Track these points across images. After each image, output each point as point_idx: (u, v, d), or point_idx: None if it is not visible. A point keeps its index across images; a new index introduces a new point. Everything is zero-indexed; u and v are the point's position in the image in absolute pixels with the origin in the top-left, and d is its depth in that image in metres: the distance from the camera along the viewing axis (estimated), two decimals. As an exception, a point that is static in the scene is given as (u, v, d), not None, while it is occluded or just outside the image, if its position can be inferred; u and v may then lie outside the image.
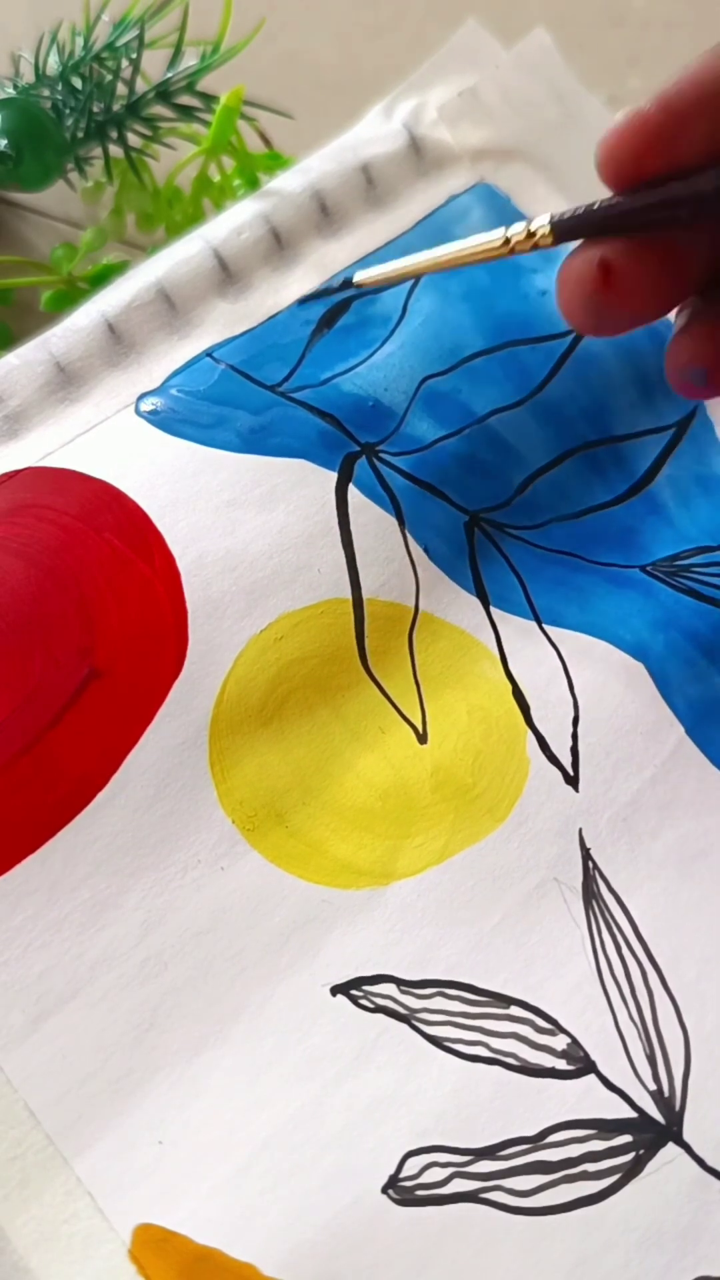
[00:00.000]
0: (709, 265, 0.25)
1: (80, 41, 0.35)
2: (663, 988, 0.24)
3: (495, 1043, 0.24)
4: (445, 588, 0.28)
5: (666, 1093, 0.24)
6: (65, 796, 0.25)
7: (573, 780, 0.26)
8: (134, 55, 0.35)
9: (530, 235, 0.24)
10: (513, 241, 0.24)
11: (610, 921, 0.25)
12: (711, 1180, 0.23)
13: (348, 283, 0.26)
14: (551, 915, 0.25)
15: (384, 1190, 0.22)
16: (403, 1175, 0.22)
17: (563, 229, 0.23)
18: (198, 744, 0.25)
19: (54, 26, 0.35)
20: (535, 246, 0.24)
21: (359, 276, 0.26)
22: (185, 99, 0.35)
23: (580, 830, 0.26)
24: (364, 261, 0.31)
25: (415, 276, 0.26)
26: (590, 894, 0.25)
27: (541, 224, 0.23)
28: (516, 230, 0.24)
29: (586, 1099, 0.23)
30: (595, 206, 0.23)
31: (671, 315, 0.26)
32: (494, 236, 0.24)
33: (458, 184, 0.32)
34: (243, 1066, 0.23)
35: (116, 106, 0.35)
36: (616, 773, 0.26)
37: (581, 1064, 0.24)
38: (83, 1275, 0.21)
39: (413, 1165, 0.23)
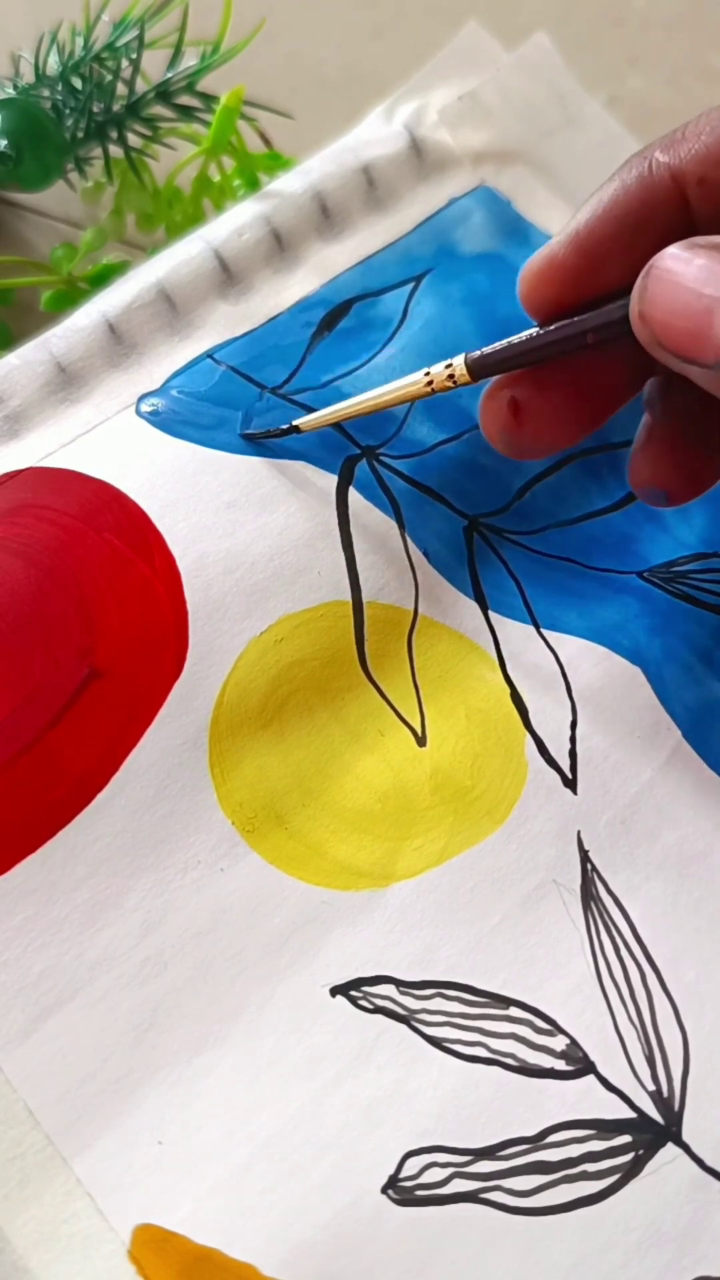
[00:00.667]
0: (625, 388, 0.26)
1: (80, 41, 0.35)
2: (661, 989, 0.24)
3: (494, 1043, 0.24)
4: (444, 592, 0.28)
5: (665, 1093, 0.24)
6: (65, 797, 0.25)
7: (571, 783, 0.26)
8: (134, 55, 0.35)
9: (450, 376, 0.25)
10: (435, 382, 0.25)
11: (609, 923, 0.25)
12: (710, 1180, 0.23)
13: (294, 428, 0.27)
14: (550, 917, 0.25)
15: (384, 1190, 0.22)
16: (402, 1175, 0.23)
17: (479, 368, 0.25)
18: (198, 745, 0.25)
19: (54, 26, 0.35)
20: (455, 385, 0.25)
21: (300, 422, 0.27)
22: (185, 99, 0.35)
23: (579, 833, 0.26)
24: (365, 264, 0.31)
25: (351, 418, 0.27)
26: (589, 896, 0.25)
27: (458, 365, 0.25)
28: (437, 370, 0.25)
29: (586, 1099, 0.23)
30: (510, 344, 0.24)
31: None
32: (417, 378, 0.25)
33: (458, 186, 0.32)
34: (242, 1067, 0.23)
35: (116, 106, 0.35)
36: (614, 776, 0.26)
37: (581, 1064, 0.24)
38: (82, 1275, 0.21)
39: (412, 1165, 0.23)
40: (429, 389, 0.25)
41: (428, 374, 0.25)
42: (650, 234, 0.24)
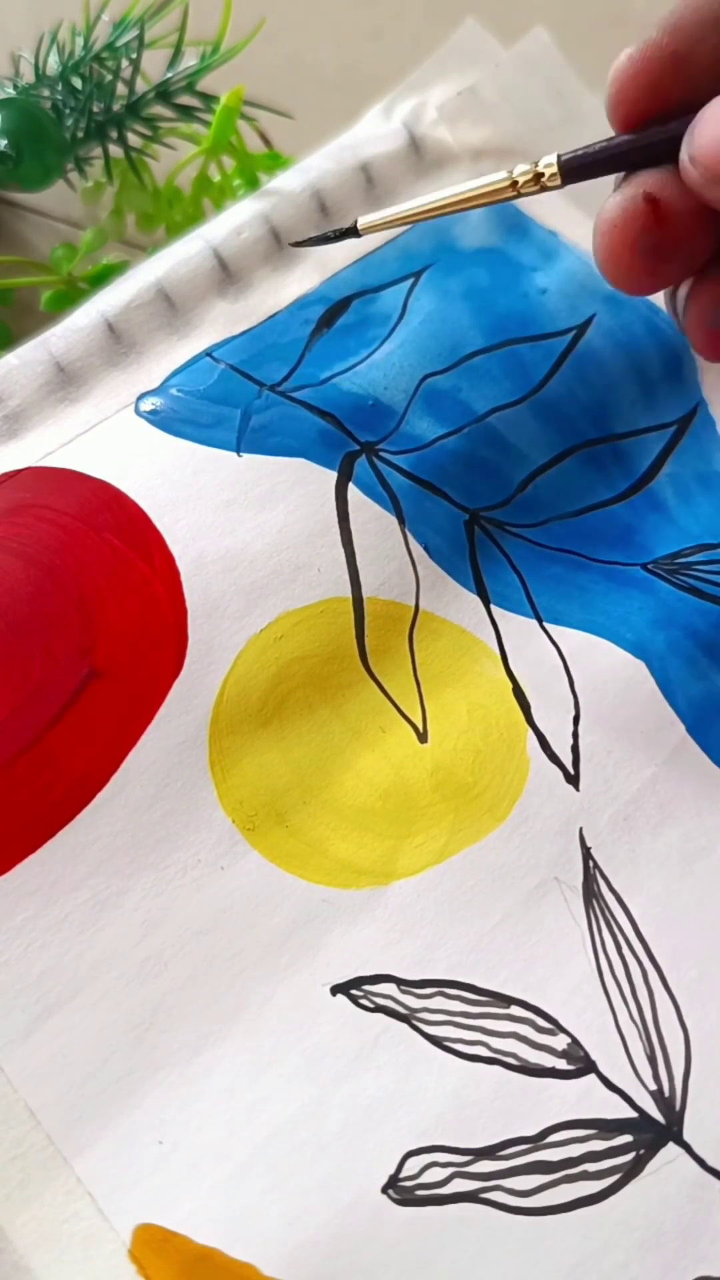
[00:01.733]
0: None
1: (80, 41, 0.35)
2: (663, 987, 0.24)
3: (495, 1042, 0.24)
4: (445, 586, 0.28)
5: (667, 1093, 0.23)
6: (65, 796, 0.25)
7: (573, 779, 0.26)
8: (134, 55, 0.35)
9: (537, 177, 0.23)
10: (519, 183, 0.23)
11: (611, 921, 0.25)
12: (711, 1180, 0.23)
13: (353, 229, 0.25)
14: (552, 914, 0.25)
15: (384, 1190, 0.22)
16: (403, 1175, 0.22)
17: (572, 168, 0.22)
18: (197, 744, 0.25)
19: (54, 26, 0.35)
20: (543, 188, 0.23)
21: (363, 222, 0.25)
22: (185, 99, 0.35)
23: (581, 829, 0.26)
24: (364, 261, 0.31)
25: (420, 220, 0.25)
26: (591, 893, 0.25)
27: (549, 163, 0.22)
28: (522, 171, 0.23)
29: (586, 1099, 0.23)
30: (609, 143, 0.22)
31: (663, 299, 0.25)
32: (499, 177, 0.23)
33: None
34: (243, 1066, 0.23)
35: (116, 106, 0.35)
36: (617, 771, 0.26)
37: (582, 1064, 0.24)
38: (83, 1275, 0.21)
39: (413, 1165, 0.22)
40: (513, 190, 0.23)
41: (510, 174, 0.23)
42: None
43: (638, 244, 0.22)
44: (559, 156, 0.22)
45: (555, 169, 0.22)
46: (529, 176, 0.23)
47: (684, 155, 0.21)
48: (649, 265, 0.23)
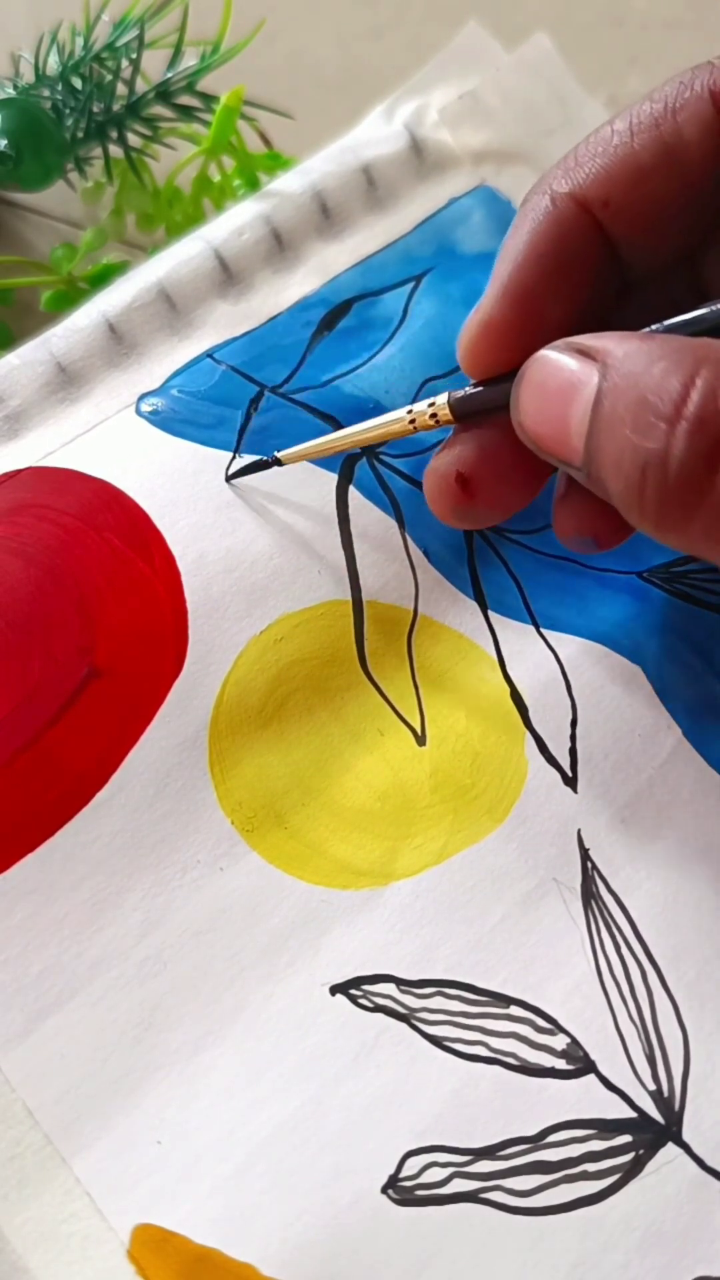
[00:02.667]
0: None
1: (80, 41, 0.35)
2: (662, 988, 0.24)
3: (495, 1042, 0.24)
4: (444, 591, 0.28)
5: (666, 1093, 0.24)
6: (64, 796, 0.25)
7: (571, 781, 0.26)
8: (134, 55, 0.35)
9: (433, 415, 0.25)
10: (417, 420, 0.25)
11: (609, 921, 0.25)
12: (711, 1180, 0.23)
13: (276, 460, 0.27)
14: (551, 915, 0.25)
15: (384, 1190, 0.22)
16: (402, 1175, 0.22)
17: (461, 408, 0.24)
18: (197, 744, 0.25)
19: (54, 26, 0.35)
20: (438, 424, 0.25)
21: (282, 454, 0.27)
22: (185, 99, 0.35)
23: (579, 831, 0.26)
24: (365, 264, 0.31)
25: (334, 453, 0.27)
26: (589, 894, 0.25)
27: (441, 404, 0.24)
28: (420, 408, 0.25)
29: (586, 1099, 0.23)
30: (491, 388, 0.24)
31: None
32: (400, 415, 0.25)
33: (459, 186, 0.32)
34: (242, 1066, 0.23)
35: (116, 106, 0.35)
36: (615, 774, 0.26)
37: (581, 1064, 0.24)
38: (82, 1275, 0.21)
39: (412, 1165, 0.23)
40: (411, 428, 0.25)
41: (410, 412, 0.25)
42: (575, 266, 0.23)
43: (451, 512, 0.25)
44: (449, 396, 0.24)
45: (447, 409, 0.24)
46: (426, 415, 0.25)
47: (514, 418, 0.22)
48: (466, 525, 0.26)
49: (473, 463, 0.24)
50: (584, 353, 0.20)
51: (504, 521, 0.26)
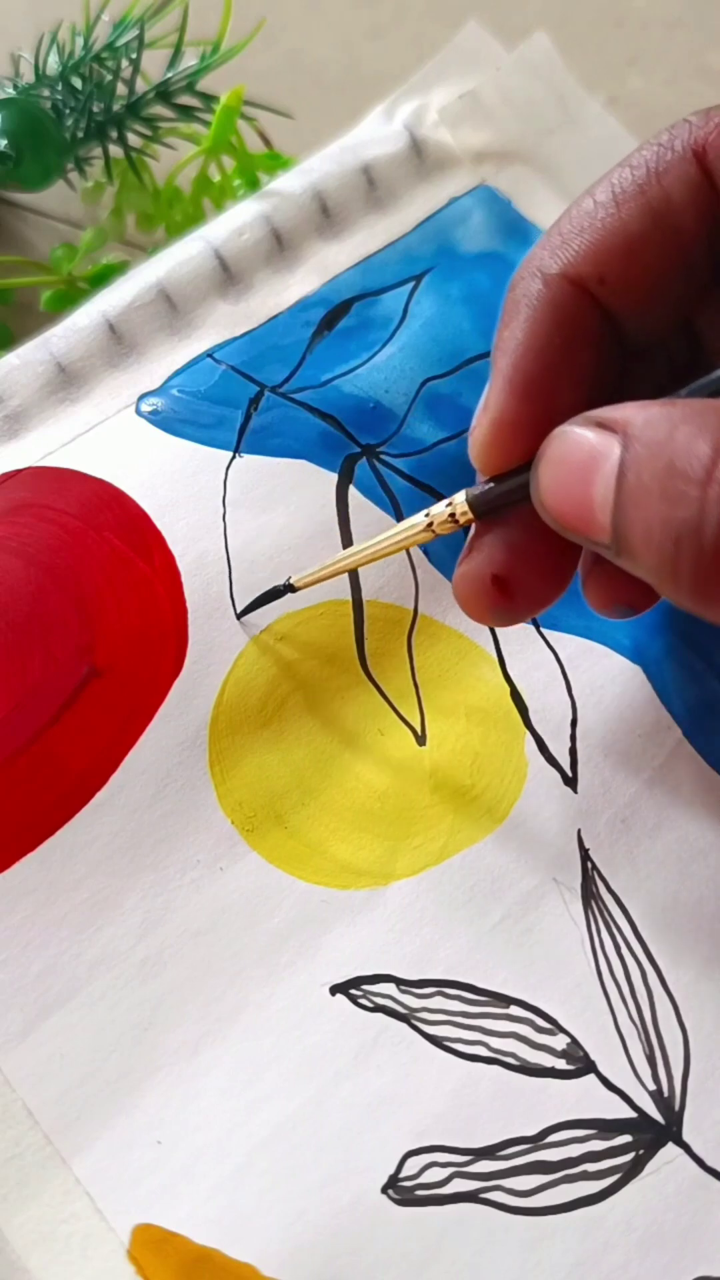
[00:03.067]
0: None
1: (80, 41, 0.35)
2: (662, 988, 0.24)
3: (495, 1042, 0.24)
4: (444, 591, 0.28)
5: (666, 1093, 0.24)
6: (64, 795, 0.25)
7: (571, 781, 0.26)
8: (134, 55, 0.35)
9: (451, 516, 0.23)
10: (435, 524, 0.23)
11: (610, 922, 0.25)
12: (711, 1180, 0.23)
13: (290, 586, 0.26)
14: (551, 915, 0.25)
15: (384, 1190, 0.22)
16: (402, 1175, 0.22)
17: (481, 506, 0.23)
18: (197, 744, 0.25)
19: (54, 26, 0.35)
20: (458, 525, 0.23)
21: (297, 580, 0.26)
22: (185, 99, 0.35)
23: (579, 831, 0.26)
24: (365, 264, 0.31)
25: (349, 571, 0.26)
26: (589, 894, 0.25)
27: (459, 504, 0.23)
28: (438, 511, 0.23)
29: (586, 1099, 0.23)
30: (512, 483, 0.22)
31: None
32: (417, 521, 0.24)
33: (459, 186, 0.32)
34: (242, 1066, 0.23)
35: (116, 106, 0.35)
36: (615, 774, 0.26)
37: (581, 1064, 0.24)
38: (81, 1275, 0.21)
39: (412, 1165, 0.23)
40: (430, 534, 0.24)
41: (428, 515, 0.23)
42: (578, 347, 0.22)
43: (490, 615, 0.24)
44: (467, 494, 0.23)
45: (466, 509, 0.23)
46: (444, 517, 0.23)
47: (534, 499, 0.21)
48: (506, 622, 0.24)
49: (504, 562, 0.23)
50: (603, 425, 0.20)
51: (541, 613, 0.25)
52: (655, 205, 0.22)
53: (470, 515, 0.23)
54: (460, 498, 0.23)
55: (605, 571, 0.24)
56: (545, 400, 0.22)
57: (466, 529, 0.24)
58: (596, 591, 0.24)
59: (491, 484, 0.23)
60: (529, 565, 0.23)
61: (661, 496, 0.18)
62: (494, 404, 0.22)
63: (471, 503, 0.23)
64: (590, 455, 0.19)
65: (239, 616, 0.27)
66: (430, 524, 0.23)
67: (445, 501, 0.23)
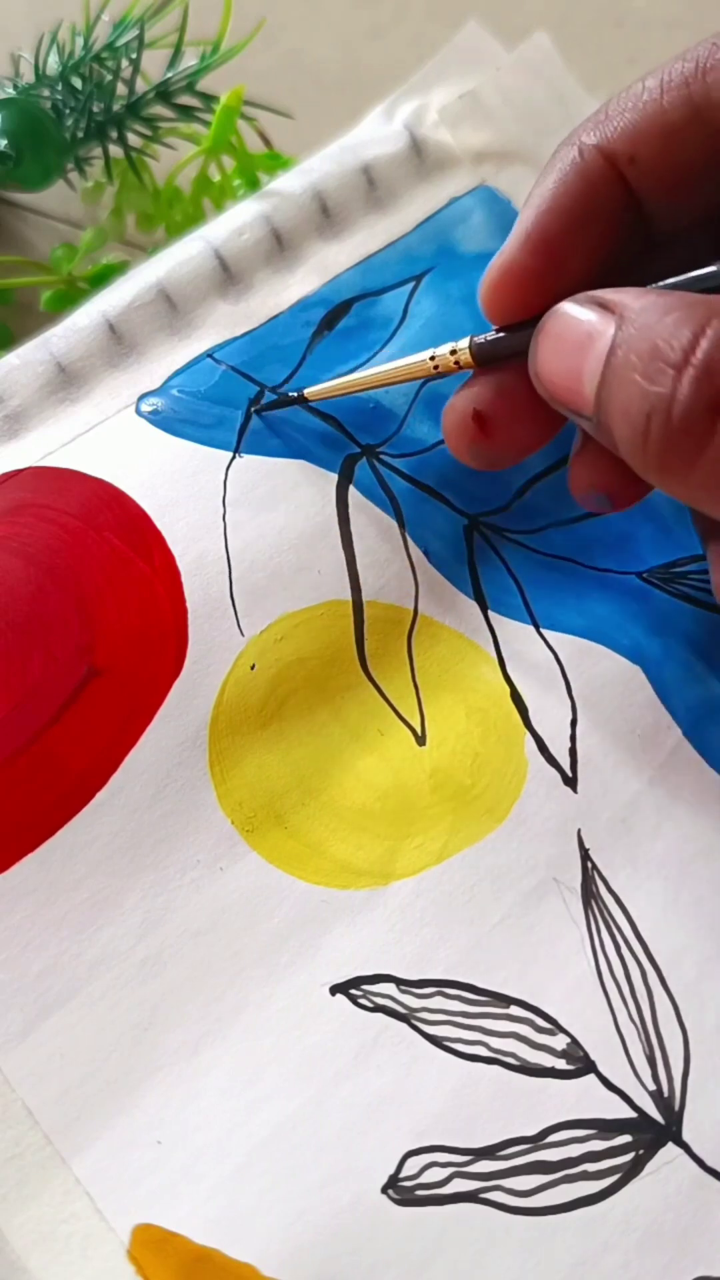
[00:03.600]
0: None
1: (80, 41, 0.35)
2: (662, 988, 0.24)
3: (495, 1042, 0.24)
4: (444, 591, 0.28)
5: (666, 1093, 0.24)
6: (64, 795, 0.25)
7: (571, 781, 0.26)
8: (134, 55, 0.35)
9: (455, 360, 0.25)
10: (439, 364, 0.25)
11: (610, 921, 0.25)
12: (711, 1180, 0.23)
13: (300, 395, 0.28)
14: (551, 915, 0.25)
15: (384, 1190, 0.22)
16: (402, 1175, 0.22)
17: (482, 354, 0.25)
18: (197, 744, 0.25)
19: (54, 26, 0.35)
20: (459, 369, 0.25)
21: (309, 391, 0.28)
22: (185, 99, 0.35)
23: (579, 831, 0.26)
24: (365, 264, 0.31)
25: (357, 391, 0.27)
26: (589, 894, 0.25)
27: (463, 348, 0.25)
28: (442, 352, 0.25)
29: (586, 1099, 0.23)
30: (512, 334, 0.24)
31: None
32: (421, 358, 0.26)
33: (459, 186, 0.32)
34: (242, 1066, 0.23)
35: (116, 106, 0.35)
36: (615, 774, 0.26)
37: (581, 1064, 0.24)
38: (81, 1276, 0.21)
39: (412, 1165, 0.23)
40: (433, 369, 0.25)
41: (433, 356, 0.25)
42: (599, 219, 0.23)
43: (468, 450, 0.25)
44: (471, 340, 0.25)
45: (468, 353, 0.25)
46: (446, 358, 0.25)
47: (530, 367, 0.23)
48: (483, 464, 0.26)
49: (490, 401, 0.25)
50: (603, 305, 0.21)
51: (518, 463, 0.26)
52: (696, 99, 0.23)
53: (470, 360, 0.25)
54: (464, 342, 0.25)
55: (591, 456, 0.25)
56: (557, 259, 0.23)
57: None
58: (580, 473, 0.25)
59: (497, 335, 0.24)
60: (512, 410, 0.25)
61: (643, 374, 0.20)
62: (509, 252, 0.24)
63: (473, 348, 0.25)
64: (586, 333, 0.21)
65: (258, 412, 0.28)
66: (435, 363, 0.25)
67: (449, 345, 0.25)
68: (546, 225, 0.23)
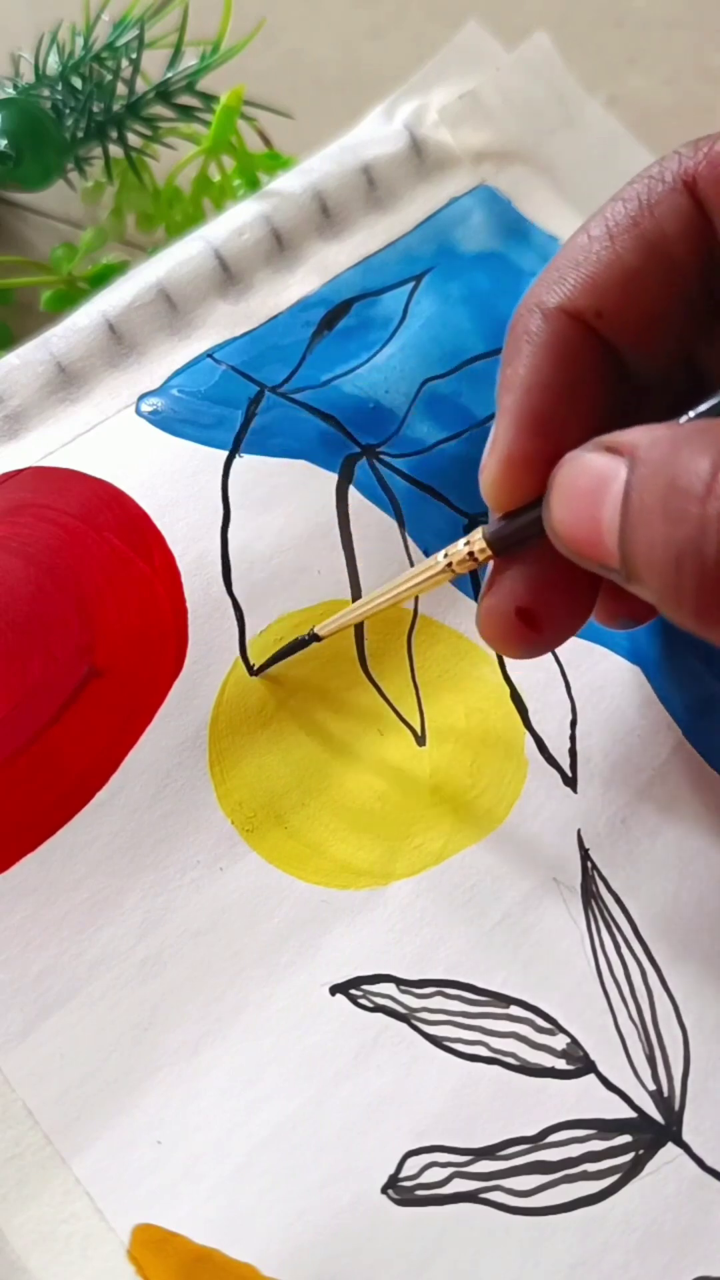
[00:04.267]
0: None
1: (80, 41, 0.35)
2: (662, 987, 0.24)
3: (495, 1042, 0.24)
4: (444, 591, 0.28)
5: (666, 1093, 0.24)
6: (64, 795, 0.25)
7: (571, 782, 0.26)
8: (134, 55, 0.35)
9: (470, 555, 0.23)
10: (455, 563, 0.23)
11: (609, 921, 0.25)
12: (710, 1180, 0.23)
13: (315, 636, 0.26)
14: (551, 915, 0.25)
15: (384, 1190, 0.22)
16: (402, 1175, 0.22)
17: (500, 543, 0.23)
18: (197, 744, 0.25)
19: (54, 26, 0.35)
20: (478, 564, 0.23)
21: (321, 629, 0.26)
22: (185, 99, 0.35)
23: (579, 831, 0.26)
24: (365, 264, 0.31)
25: (370, 615, 0.26)
26: (589, 894, 0.25)
27: (477, 542, 0.23)
28: (456, 550, 0.23)
29: (586, 1099, 0.23)
30: (528, 518, 0.22)
31: None
32: (436, 561, 0.24)
33: (459, 186, 0.32)
34: (242, 1066, 0.23)
35: (116, 106, 0.35)
36: (614, 774, 0.26)
37: (581, 1064, 0.24)
38: (81, 1275, 0.21)
39: (412, 1165, 0.23)
40: (450, 573, 0.24)
41: (446, 555, 0.23)
42: (584, 380, 0.22)
43: (519, 649, 0.23)
44: (484, 531, 0.23)
45: (485, 547, 0.23)
46: (463, 556, 0.23)
47: (547, 528, 0.21)
48: (533, 655, 0.24)
49: (527, 595, 0.23)
50: (611, 449, 0.19)
51: (563, 644, 0.25)
52: (649, 238, 0.22)
53: (489, 552, 0.23)
54: (478, 535, 0.23)
55: (611, 588, 0.24)
56: (553, 435, 0.22)
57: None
58: (603, 607, 0.24)
59: (509, 521, 0.23)
60: (551, 596, 0.23)
61: (664, 516, 0.18)
62: (502, 442, 0.22)
63: (489, 540, 0.23)
64: (599, 479, 0.19)
65: (254, 674, 0.26)
66: (449, 564, 0.23)
67: (463, 540, 0.23)
68: (535, 404, 0.22)
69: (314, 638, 0.26)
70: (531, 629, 0.23)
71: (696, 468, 0.17)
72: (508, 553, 0.23)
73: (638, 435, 0.19)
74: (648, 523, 0.18)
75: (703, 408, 0.20)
